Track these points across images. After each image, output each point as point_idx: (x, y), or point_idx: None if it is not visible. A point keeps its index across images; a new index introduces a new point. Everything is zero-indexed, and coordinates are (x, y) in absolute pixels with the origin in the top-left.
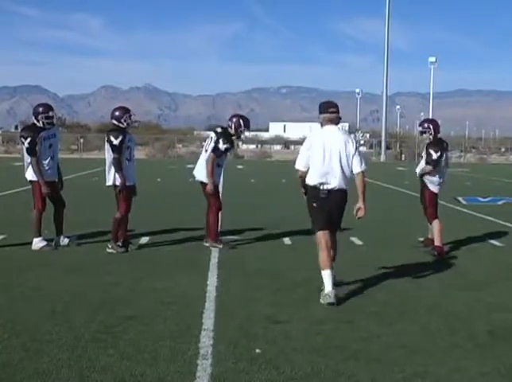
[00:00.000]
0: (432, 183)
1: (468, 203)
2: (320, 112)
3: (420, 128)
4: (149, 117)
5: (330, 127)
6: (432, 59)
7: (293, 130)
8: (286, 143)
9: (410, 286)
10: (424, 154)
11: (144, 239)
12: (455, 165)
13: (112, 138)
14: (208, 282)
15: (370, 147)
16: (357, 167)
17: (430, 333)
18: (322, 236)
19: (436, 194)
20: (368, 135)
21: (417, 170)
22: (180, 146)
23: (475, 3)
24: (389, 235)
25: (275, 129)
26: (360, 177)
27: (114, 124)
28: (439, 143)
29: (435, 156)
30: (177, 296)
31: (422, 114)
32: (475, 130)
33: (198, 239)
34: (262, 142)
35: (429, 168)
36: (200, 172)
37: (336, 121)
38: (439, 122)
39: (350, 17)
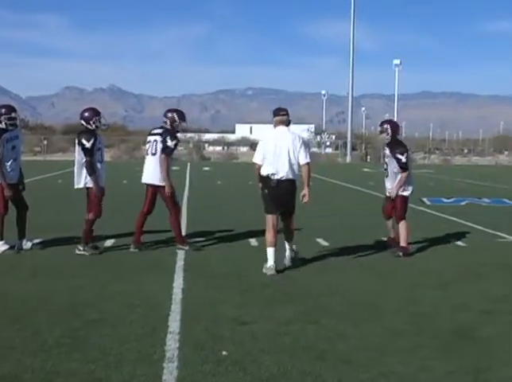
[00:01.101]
0: (405, 190)
1: (432, 204)
2: (274, 115)
3: (380, 128)
4: (114, 118)
5: (281, 128)
6: (397, 61)
7: (260, 132)
8: (253, 145)
9: (376, 286)
10: (387, 159)
11: (109, 242)
12: (420, 166)
13: (84, 141)
14: (174, 285)
15: (336, 148)
16: (302, 159)
17: (396, 333)
18: (270, 219)
19: (407, 197)
20: (334, 137)
21: (392, 187)
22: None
23: (440, 6)
24: (354, 236)
25: (241, 130)
26: (306, 168)
27: (82, 125)
28: (401, 144)
29: (404, 159)
30: (143, 299)
31: (387, 115)
32: (438, 132)
33: (164, 241)
34: (229, 144)
35: (405, 175)
36: (152, 176)
37: (286, 122)
38: (402, 124)
39: (315, 19)
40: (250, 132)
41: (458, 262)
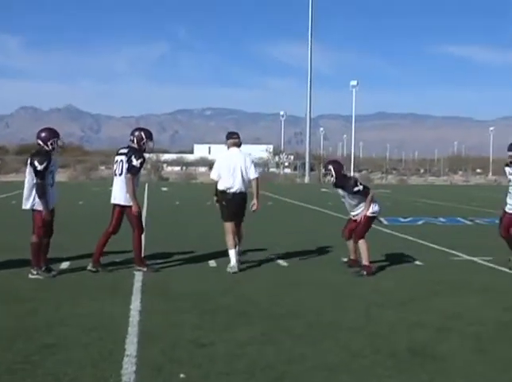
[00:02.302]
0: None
1: (390, 223)
2: (227, 139)
3: (323, 170)
4: (70, 139)
5: (234, 149)
6: (354, 82)
7: (218, 152)
8: (211, 165)
9: (334, 306)
10: (343, 199)
11: (65, 264)
12: (377, 186)
13: (36, 163)
14: (131, 307)
15: (295, 169)
16: (252, 175)
17: (353, 352)
18: (229, 226)
19: (372, 217)
20: (292, 157)
21: (359, 214)
22: (103, 167)
23: (396, 29)
24: (313, 257)
25: (200, 151)
26: (255, 182)
27: (38, 144)
28: (348, 178)
29: (361, 187)
30: (99, 322)
31: (345, 136)
32: (395, 152)
33: (121, 262)
34: (187, 164)
35: (369, 198)
36: (119, 196)
37: (238, 144)
38: (360, 144)
39: (274, 41)
40: (209, 152)
41: (414, 280)
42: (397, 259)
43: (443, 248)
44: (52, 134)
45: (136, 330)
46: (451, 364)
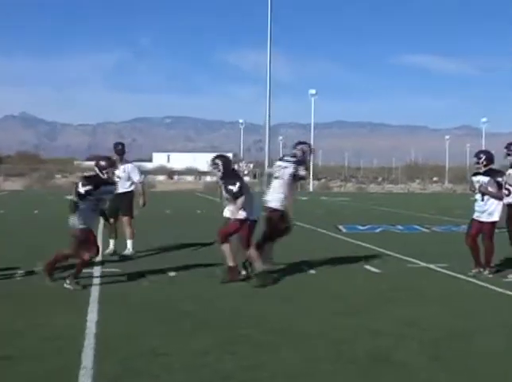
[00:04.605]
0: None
1: (348, 231)
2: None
3: (211, 162)
4: (25, 147)
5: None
6: (313, 91)
7: (177, 161)
8: (170, 173)
9: (293, 314)
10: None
11: (20, 275)
12: (336, 194)
13: (80, 185)
14: (88, 318)
15: (254, 177)
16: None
17: (313, 359)
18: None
19: (243, 220)
20: (252, 165)
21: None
22: (59, 176)
23: (353, 38)
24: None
25: (159, 159)
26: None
27: (95, 170)
28: (233, 176)
29: (235, 188)
30: (54, 334)
31: None
32: (354, 160)
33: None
34: (146, 173)
35: (240, 200)
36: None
37: None
38: (319, 152)
39: (234, 48)
40: (168, 160)
41: (371, 287)
42: (354, 266)
43: (400, 256)
44: (110, 164)
45: (92, 342)
46: (411, 371)
